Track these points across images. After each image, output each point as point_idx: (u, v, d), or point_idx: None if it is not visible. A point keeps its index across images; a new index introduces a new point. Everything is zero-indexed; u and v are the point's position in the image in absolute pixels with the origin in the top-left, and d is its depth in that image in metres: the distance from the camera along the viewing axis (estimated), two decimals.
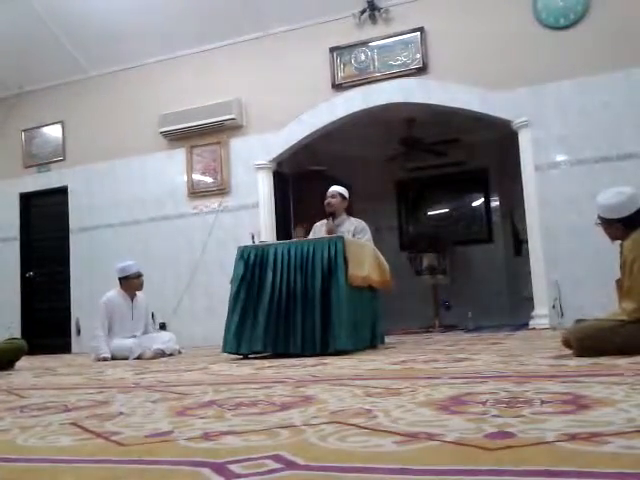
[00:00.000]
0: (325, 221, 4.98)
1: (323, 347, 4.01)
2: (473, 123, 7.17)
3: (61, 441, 1.40)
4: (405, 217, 9.79)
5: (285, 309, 4.20)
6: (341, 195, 5.00)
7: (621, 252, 2.98)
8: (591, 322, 2.94)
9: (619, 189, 3.01)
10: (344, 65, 6.78)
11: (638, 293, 2.80)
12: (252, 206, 7.03)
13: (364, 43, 6.70)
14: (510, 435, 1.17)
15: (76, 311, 7.68)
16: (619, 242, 3.03)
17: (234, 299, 4.35)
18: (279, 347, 4.15)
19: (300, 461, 1.06)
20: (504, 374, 2.27)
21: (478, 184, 9.34)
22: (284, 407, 1.71)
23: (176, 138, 7.35)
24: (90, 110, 7.89)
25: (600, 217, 3.04)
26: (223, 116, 7.04)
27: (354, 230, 4.86)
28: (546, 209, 5.95)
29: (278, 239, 6.67)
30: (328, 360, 3.54)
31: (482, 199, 9.40)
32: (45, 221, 8.15)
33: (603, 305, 3.44)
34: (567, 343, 2.95)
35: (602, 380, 1.92)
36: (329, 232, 4.77)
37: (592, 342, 2.77)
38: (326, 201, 4.96)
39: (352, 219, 5.05)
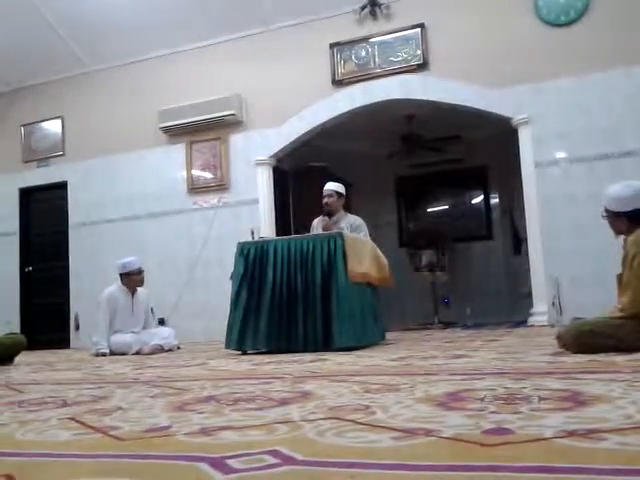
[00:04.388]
0: (322, 218, 5.00)
1: (325, 344, 4.02)
2: (473, 120, 7.16)
3: (60, 436, 1.40)
4: (405, 214, 9.79)
5: (286, 306, 4.21)
6: (337, 193, 5.01)
7: (624, 247, 2.98)
8: (588, 319, 2.94)
9: (628, 182, 3.01)
10: (344, 61, 6.77)
11: (634, 288, 2.81)
12: (252, 202, 7.03)
13: (364, 39, 6.69)
14: (508, 431, 1.18)
15: (75, 306, 7.69)
16: (622, 237, 3.03)
17: (236, 297, 4.36)
18: (282, 344, 4.17)
19: (298, 456, 1.06)
20: (502, 371, 2.28)
21: (478, 181, 9.33)
22: (282, 403, 1.71)
23: (176, 133, 7.34)
24: (90, 105, 7.88)
25: (607, 210, 3.04)
26: (223, 112, 7.03)
27: (350, 227, 4.88)
28: (546, 206, 5.95)
29: (277, 235, 6.67)
30: (327, 356, 3.55)
31: (482, 196, 9.40)
32: (44, 216, 8.14)
33: (602, 302, 3.44)
34: (561, 340, 2.94)
35: (600, 377, 1.93)
36: (325, 229, 4.79)
37: (589, 339, 2.77)
38: (323, 201, 4.97)
39: (349, 216, 5.07)
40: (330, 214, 4.96)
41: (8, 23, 7.28)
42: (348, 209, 5.40)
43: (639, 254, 2.82)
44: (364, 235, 4.88)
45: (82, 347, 6.88)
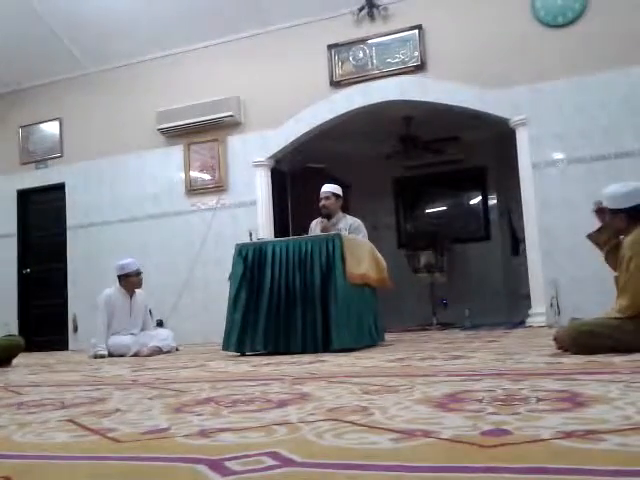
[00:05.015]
0: (320, 220, 5.00)
1: (324, 345, 4.02)
2: (471, 121, 7.17)
3: (58, 438, 1.40)
4: (403, 215, 9.80)
5: (285, 307, 4.20)
6: (335, 195, 5.00)
7: (621, 248, 2.99)
8: (586, 320, 2.95)
9: (627, 182, 3.05)
10: (342, 62, 6.77)
11: (632, 291, 2.81)
12: (250, 203, 7.03)
13: (362, 40, 6.70)
14: (506, 432, 1.18)
15: (73, 308, 7.68)
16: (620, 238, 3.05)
17: (235, 299, 4.36)
18: (280, 346, 4.16)
19: (297, 458, 1.06)
20: (501, 372, 2.28)
21: (476, 182, 9.34)
22: (281, 404, 1.71)
23: (174, 135, 7.34)
24: (88, 107, 7.88)
25: (606, 208, 3.06)
26: (221, 113, 7.03)
27: (349, 228, 4.87)
28: (544, 207, 5.95)
29: (276, 236, 6.67)
30: (325, 357, 3.55)
31: (480, 197, 9.41)
32: (42, 218, 8.13)
33: (600, 303, 3.44)
34: (559, 342, 2.94)
35: (598, 378, 1.93)
36: (323, 230, 4.79)
37: (587, 340, 2.78)
38: (321, 203, 4.97)
39: (348, 217, 5.07)
40: (328, 216, 4.96)
41: (6, 25, 7.28)
42: (346, 210, 5.40)
43: (635, 257, 2.83)
44: (363, 236, 4.88)
45: (80, 349, 6.87)
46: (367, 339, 4.41)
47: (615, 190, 3.01)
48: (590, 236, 3.25)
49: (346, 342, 3.99)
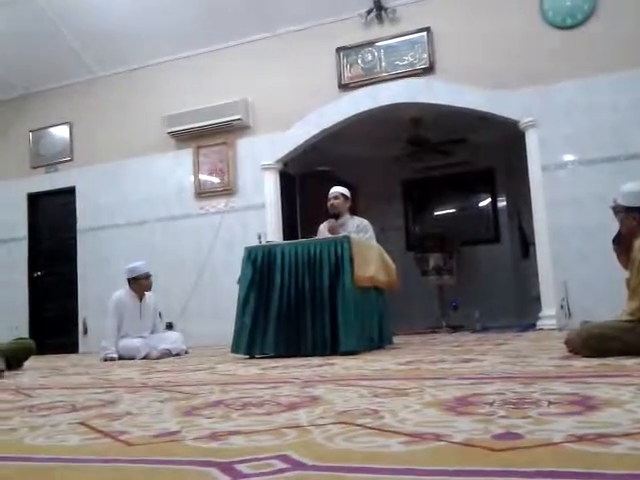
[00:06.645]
0: (328, 220, 5.01)
1: (332, 348, 4.02)
2: (480, 123, 7.15)
3: (69, 441, 1.40)
4: (412, 217, 9.79)
5: (295, 310, 4.21)
6: (343, 195, 5.02)
7: (632, 251, 2.97)
8: (597, 323, 2.93)
9: None
10: (351, 65, 6.78)
11: None
12: (259, 206, 7.04)
13: (371, 43, 6.70)
14: (517, 436, 1.17)
15: (83, 311, 7.72)
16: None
17: (244, 302, 4.36)
18: (290, 348, 4.16)
19: (307, 461, 1.06)
20: (511, 375, 2.27)
21: (485, 184, 9.32)
22: (291, 407, 1.71)
23: (183, 138, 7.37)
24: (98, 111, 7.92)
25: (619, 205, 3.04)
26: (230, 116, 7.05)
27: (356, 229, 4.88)
28: (553, 209, 5.93)
29: (284, 239, 6.68)
30: (335, 360, 3.54)
31: (489, 199, 9.38)
32: (53, 221, 8.19)
33: (611, 305, 3.42)
34: (570, 345, 2.92)
35: (609, 381, 1.92)
36: (331, 230, 4.79)
37: (598, 343, 2.76)
38: (329, 203, 4.99)
39: (355, 218, 5.08)
40: (337, 216, 4.97)
41: (17, 29, 7.34)
42: (354, 213, 5.40)
43: None
44: (370, 236, 4.88)
45: (90, 352, 6.90)
46: (375, 341, 4.41)
47: (630, 188, 2.99)
48: (613, 242, 3.21)
49: (354, 345, 3.99)
